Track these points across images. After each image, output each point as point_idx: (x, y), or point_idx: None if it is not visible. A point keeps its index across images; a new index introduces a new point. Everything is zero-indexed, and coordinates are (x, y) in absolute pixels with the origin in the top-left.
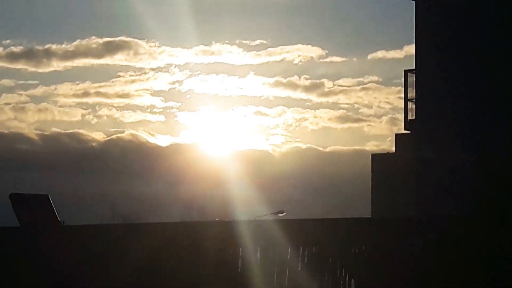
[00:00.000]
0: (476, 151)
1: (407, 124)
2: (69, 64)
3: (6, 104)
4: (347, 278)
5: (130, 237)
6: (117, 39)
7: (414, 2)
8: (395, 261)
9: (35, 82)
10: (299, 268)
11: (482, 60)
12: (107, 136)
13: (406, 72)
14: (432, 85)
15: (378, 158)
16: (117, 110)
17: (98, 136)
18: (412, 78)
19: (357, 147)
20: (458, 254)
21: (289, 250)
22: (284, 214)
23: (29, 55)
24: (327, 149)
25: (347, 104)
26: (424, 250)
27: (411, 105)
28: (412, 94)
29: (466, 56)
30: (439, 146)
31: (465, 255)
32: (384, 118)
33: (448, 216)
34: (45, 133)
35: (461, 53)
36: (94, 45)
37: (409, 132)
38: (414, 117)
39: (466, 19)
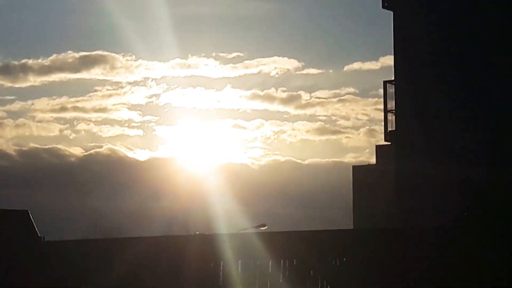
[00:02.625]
0: (457, 162)
1: (387, 135)
2: (46, 79)
3: None
4: None
5: (111, 252)
6: (93, 53)
7: (392, 12)
8: (377, 272)
9: (12, 97)
10: (281, 281)
11: (462, 70)
12: (86, 151)
13: (385, 83)
14: (412, 95)
15: (358, 170)
16: (95, 124)
17: (77, 151)
18: (391, 89)
19: (335, 159)
20: (441, 265)
21: (271, 262)
22: (266, 227)
23: (5, 71)
24: (306, 162)
25: (324, 116)
26: (406, 261)
27: (390, 116)
28: (391, 105)
29: (446, 66)
30: (420, 157)
31: (448, 266)
32: (362, 130)
33: (431, 228)
34: (23, 148)
35: (440, 63)
36: (70, 60)
37: (389, 143)
38: (394, 128)
39: (446, 29)
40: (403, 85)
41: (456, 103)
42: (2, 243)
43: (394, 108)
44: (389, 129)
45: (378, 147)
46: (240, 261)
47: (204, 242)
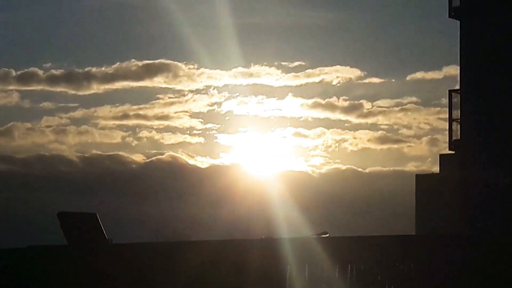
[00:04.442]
0: None
1: (452, 144)
2: (109, 86)
3: (47, 126)
4: None
5: (177, 255)
6: (156, 61)
7: (458, 22)
8: (442, 278)
9: (76, 104)
10: (348, 286)
11: None
12: (147, 158)
13: (450, 92)
14: (478, 105)
15: (422, 178)
16: (157, 132)
17: (138, 158)
18: (456, 99)
19: (397, 168)
20: (506, 272)
21: (337, 268)
22: (328, 235)
23: (69, 78)
24: (367, 170)
25: (386, 125)
26: (471, 267)
27: (455, 126)
28: (455, 114)
29: None
30: (485, 166)
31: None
32: (424, 139)
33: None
34: (86, 155)
35: (507, 73)
36: (133, 68)
37: (453, 152)
38: (458, 138)
39: None
40: (469, 94)
41: None
42: (73, 244)
43: (458, 117)
44: (454, 138)
45: (442, 156)
46: (307, 266)
47: (269, 245)
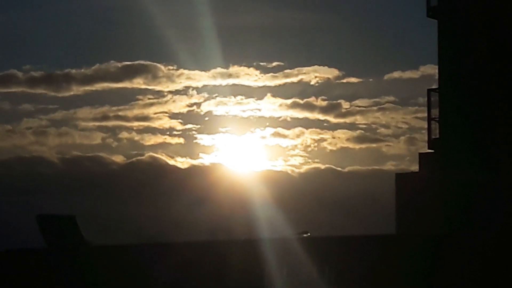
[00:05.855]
0: (503, 169)
1: (431, 143)
2: (88, 88)
3: (27, 128)
4: None
5: (157, 256)
6: (135, 63)
7: (436, 21)
8: (424, 277)
9: (55, 106)
10: (327, 286)
11: (507, 79)
12: (127, 159)
13: (429, 91)
14: (457, 103)
15: (402, 177)
16: (137, 133)
17: (118, 159)
18: (434, 97)
19: (375, 167)
20: (490, 270)
21: (316, 267)
22: (309, 234)
23: (48, 80)
24: (346, 169)
25: (364, 124)
26: (453, 266)
27: (433, 124)
28: (434, 113)
29: (491, 75)
30: (465, 164)
31: (494, 271)
32: (402, 138)
33: (477, 233)
34: (66, 156)
35: (486, 72)
36: (113, 69)
37: (432, 151)
38: (437, 136)
39: (490, 38)
40: (448, 93)
41: (502, 110)
42: (50, 247)
43: (437, 116)
44: (433, 137)
45: (422, 155)
46: (285, 266)
47: (248, 246)
